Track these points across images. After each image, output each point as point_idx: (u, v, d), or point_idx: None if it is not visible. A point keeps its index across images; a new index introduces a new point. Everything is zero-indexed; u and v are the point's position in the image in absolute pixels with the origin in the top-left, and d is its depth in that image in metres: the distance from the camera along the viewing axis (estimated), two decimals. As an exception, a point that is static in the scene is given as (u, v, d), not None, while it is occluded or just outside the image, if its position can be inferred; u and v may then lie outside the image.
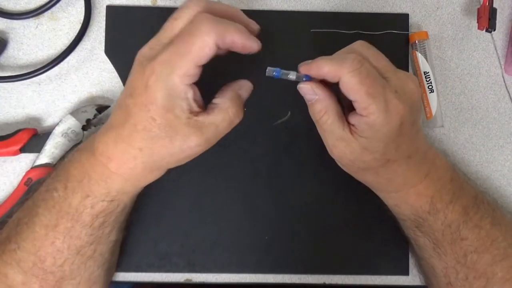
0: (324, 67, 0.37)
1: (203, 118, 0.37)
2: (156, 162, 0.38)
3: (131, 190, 0.40)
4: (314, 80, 0.39)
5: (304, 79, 0.39)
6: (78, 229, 0.39)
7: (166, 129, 0.36)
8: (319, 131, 0.40)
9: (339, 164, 0.42)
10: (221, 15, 0.37)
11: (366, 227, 0.49)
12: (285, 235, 0.48)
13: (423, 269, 0.46)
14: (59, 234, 0.39)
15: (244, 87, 0.41)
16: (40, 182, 0.43)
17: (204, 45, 0.35)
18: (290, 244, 0.48)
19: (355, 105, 0.37)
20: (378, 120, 0.36)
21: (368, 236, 0.49)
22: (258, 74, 0.49)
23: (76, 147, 0.44)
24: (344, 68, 0.36)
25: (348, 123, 0.39)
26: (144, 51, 0.38)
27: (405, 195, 0.41)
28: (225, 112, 0.38)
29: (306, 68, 0.39)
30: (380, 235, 0.48)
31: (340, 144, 0.39)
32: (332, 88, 0.40)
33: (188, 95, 0.36)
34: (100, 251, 0.41)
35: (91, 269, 0.41)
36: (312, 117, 0.40)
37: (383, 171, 0.40)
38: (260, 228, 0.48)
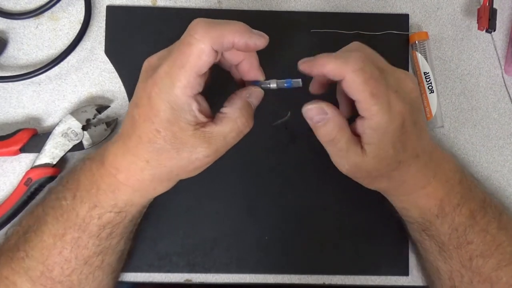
0: (327, 64, 0.36)
1: (211, 129, 0.36)
2: (164, 174, 0.38)
3: (140, 201, 0.40)
4: (297, 84, 0.39)
5: (285, 84, 0.39)
6: (85, 240, 0.39)
7: (171, 141, 0.36)
8: (330, 152, 0.39)
9: (352, 178, 0.41)
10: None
11: (366, 227, 0.49)
12: (285, 235, 0.48)
13: (427, 271, 0.46)
14: (67, 244, 0.39)
15: (254, 94, 0.39)
16: (50, 188, 0.43)
17: (200, 53, 0.34)
18: (290, 244, 0.48)
19: (357, 105, 0.36)
20: (382, 121, 0.36)
21: (368, 236, 0.49)
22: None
23: (87, 154, 0.43)
24: (349, 66, 0.35)
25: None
26: (152, 60, 0.37)
27: (415, 198, 0.41)
28: (234, 122, 0.37)
29: (308, 65, 0.37)
30: (380, 236, 0.48)
31: (356, 159, 0.38)
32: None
33: (193, 106, 0.35)
34: (108, 261, 0.41)
35: (100, 279, 0.41)
36: (323, 139, 0.38)
37: (396, 174, 0.39)
38: (260, 228, 0.48)
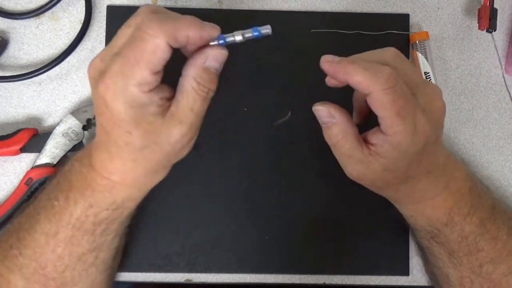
0: (355, 75, 0.34)
1: (176, 107, 0.35)
2: (155, 165, 0.37)
3: (138, 195, 0.40)
4: (266, 33, 0.36)
5: (254, 34, 0.35)
6: (79, 237, 0.39)
7: (146, 137, 0.35)
8: (335, 154, 0.39)
9: (357, 182, 0.41)
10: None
11: (366, 227, 0.49)
12: (285, 235, 0.48)
13: (436, 277, 0.46)
14: (60, 242, 0.39)
15: (211, 57, 0.35)
16: (41, 188, 0.43)
17: (155, 48, 0.32)
18: (290, 244, 0.48)
19: (380, 121, 0.35)
20: (404, 142, 0.35)
21: (368, 236, 0.48)
22: (258, 74, 0.49)
23: (74, 153, 0.42)
24: (378, 84, 0.33)
25: (365, 141, 0.37)
26: (95, 63, 0.35)
27: (422, 208, 0.41)
28: (194, 92, 0.35)
29: (332, 68, 0.35)
30: (380, 235, 0.48)
31: (359, 167, 0.37)
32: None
33: (154, 98, 0.34)
34: (102, 258, 0.41)
35: (93, 276, 0.41)
36: (327, 141, 0.38)
37: (403, 187, 0.39)
38: (260, 228, 0.48)
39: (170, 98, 0.35)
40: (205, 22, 0.35)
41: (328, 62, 0.35)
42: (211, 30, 0.35)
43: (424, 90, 0.36)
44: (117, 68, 0.33)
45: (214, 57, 0.35)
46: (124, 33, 0.34)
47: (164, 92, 0.35)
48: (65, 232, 0.39)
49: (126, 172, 0.37)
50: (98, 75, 0.34)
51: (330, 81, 0.38)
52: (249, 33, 0.36)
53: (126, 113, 0.33)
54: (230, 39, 0.36)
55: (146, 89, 0.33)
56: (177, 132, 0.35)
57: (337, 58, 0.35)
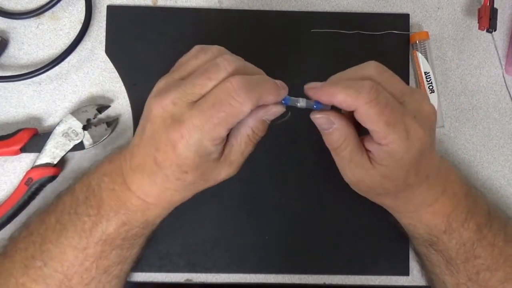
0: (337, 95, 0.35)
1: (229, 152, 0.38)
2: (192, 193, 0.40)
3: (167, 212, 0.42)
4: (326, 107, 0.37)
5: (314, 106, 0.37)
6: (108, 252, 0.40)
7: (199, 177, 0.37)
8: (335, 158, 0.39)
9: (356, 190, 0.41)
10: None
11: (366, 227, 0.49)
12: (285, 235, 0.48)
13: (433, 283, 0.46)
14: (89, 257, 0.40)
15: (271, 112, 0.37)
16: (60, 197, 0.42)
17: (240, 114, 0.34)
18: (290, 244, 0.48)
19: (373, 134, 0.35)
20: (399, 149, 0.35)
21: (368, 236, 0.48)
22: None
23: (100, 166, 0.42)
24: (361, 98, 0.34)
25: (365, 148, 0.37)
26: (166, 105, 0.35)
27: (421, 215, 0.41)
28: (247, 139, 0.38)
29: (315, 93, 0.36)
30: (380, 235, 0.48)
31: (359, 171, 0.38)
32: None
33: (219, 147, 0.36)
34: (125, 269, 0.43)
35: (116, 287, 0.43)
36: (329, 146, 0.38)
37: (402, 195, 0.39)
38: (260, 228, 0.48)
39: (225, 141, 0.37)
40: (277, 82, 0.36)
41: (312, 89, 0.36)
42: (284, 93, 0.37)
43: (412, 96, 0.37)
44: (196, 122, 0.34)
45: (275, 113, 0.37)
46: (204, 84, 0.35)
47: (225, 138, 0.36)
48: (95, 248, 0.40)
49: (163, 197, 0.39)
50: (170, 120, 0.35)
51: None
52: (311, 104, 0.37)
53: (193, 160, 0.35)
54: (293, 102, 0.37)
55: (218, 143, 0.35)
56: (226, 173, 0.39)
57: (319, 84, 0.36)
